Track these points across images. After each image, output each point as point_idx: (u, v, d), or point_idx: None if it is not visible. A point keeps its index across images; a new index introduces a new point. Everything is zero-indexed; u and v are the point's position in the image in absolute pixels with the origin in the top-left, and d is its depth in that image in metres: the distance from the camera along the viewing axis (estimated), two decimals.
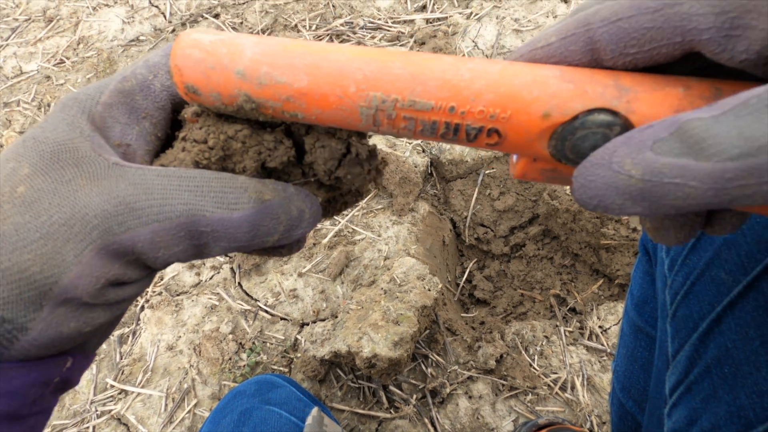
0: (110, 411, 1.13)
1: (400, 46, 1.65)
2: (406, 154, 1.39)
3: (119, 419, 1.12)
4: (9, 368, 0.27)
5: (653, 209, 0.24)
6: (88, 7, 2.00)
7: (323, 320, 1.20)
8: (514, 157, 0.33)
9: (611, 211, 0.25)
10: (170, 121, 0.34)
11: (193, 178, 0.28)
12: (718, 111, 0.22)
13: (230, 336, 1.19)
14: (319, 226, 1.32)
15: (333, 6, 1.83)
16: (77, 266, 0.26)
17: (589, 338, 1.15)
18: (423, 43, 1.57)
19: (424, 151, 1.42)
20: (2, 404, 0.28)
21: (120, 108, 0.31)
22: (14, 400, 0.28)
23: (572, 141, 0.28)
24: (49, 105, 1.73)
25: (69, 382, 0.33)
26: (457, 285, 1.39)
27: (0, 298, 0.26)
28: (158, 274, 1.32)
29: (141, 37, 1.89)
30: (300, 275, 1.25)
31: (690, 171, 0.22)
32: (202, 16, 1.90)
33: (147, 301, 1.28)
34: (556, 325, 1.18)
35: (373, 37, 1.68)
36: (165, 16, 1.94)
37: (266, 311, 1.22)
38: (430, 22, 1.70)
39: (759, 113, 0.21)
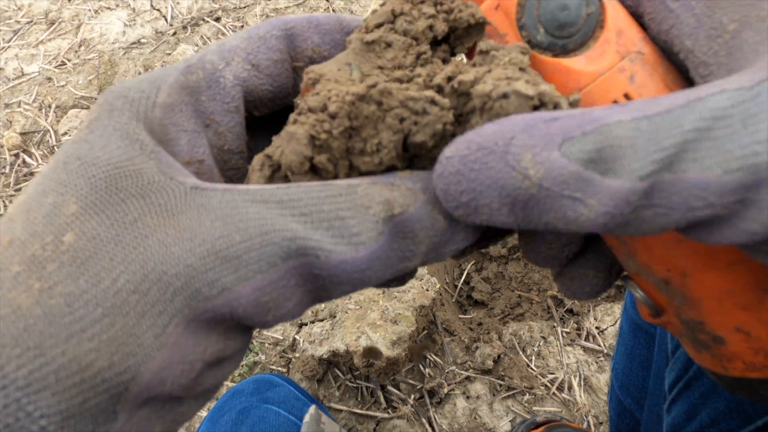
0: None
1: None
2: None
3: None
4: None
5: (526, 224, 0.19)
6: (89, 10, 2.01)
7: (322, 320, 1.20)
8: None
9: (477, 215, 0.19)
10: (245, 126, 0.26)
11: (299, 199, 0.20)
12: (653, 110, 0.18)
13: None
14: None
15: (333, 10, 1.84)
16: (161, 351, 0.19)
17: (586, 339, 1.15)
18: None
19: None
20: None
21: (184, 111, 0.23)
22: None
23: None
24: (50, 106, 1.74)
25: None
26: (455, 287, 1.40)
27: (56, 412, 0.17)
28: None
29: (142, 40, 1.90)
30: None
31: (593, 187, 0.18)
32: (203, 20, 1.91)
33: None
34: (554, 326, 1.19)
35: None
36: (166, 20, 1.95)
37: None
38: None
39: (681, 116, 0.18)
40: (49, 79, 1.81)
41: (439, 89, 0.23)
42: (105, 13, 2.00)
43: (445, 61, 0.26)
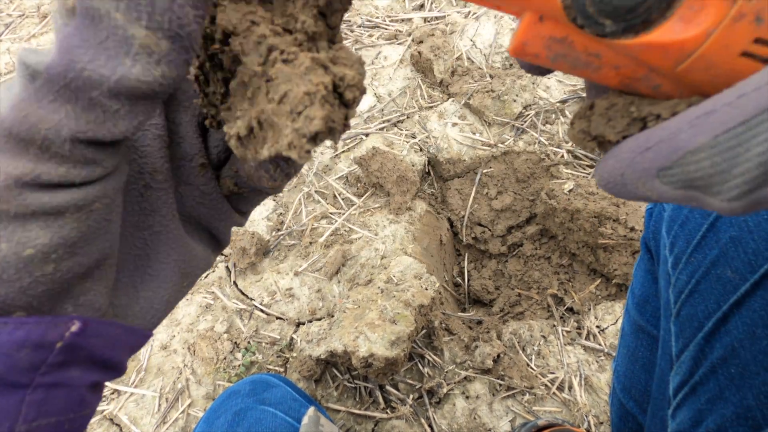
0: (103, 411, 1.11)
1: (398, 45, 1.64)
2: (403, 152, 1.38)
3: (112, 419, 1.10)
4: None
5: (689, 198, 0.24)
6: None
7: (319, 319, 1.18)
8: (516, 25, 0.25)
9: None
10: None
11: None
12: (736, 118, 0.20)
13: (225, 335, 1.18)
14: (315, 224, 1.31)
15: None
16: None
17: (587, 338, 1.14)
18: (421, 42, 1.56)
19: (421, 149, 1.41)
20: None
21: None
22: None
23: None
24: None
25: (95, 356, 0.28)
26: (455, 284, 1.38)
27: None
28: None
29: None
30: (296, 274, 1.24)
31: (702, 202, 0.22)
32: None
33: None
34: (554, 325, 1.18)
35: (370, 36, 1.67)
36: None
37: (262, 310, 1.21)
38: (428, 21, 1.69)
39: (750, 133, 0.20)
40: None
41: None
42: None
43: None
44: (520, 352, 1.13)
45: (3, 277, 0.24)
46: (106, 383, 1.15)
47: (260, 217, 1.35)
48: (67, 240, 0.25)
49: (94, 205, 0.26)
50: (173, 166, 0.33)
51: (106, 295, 0.29)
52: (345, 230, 1.29)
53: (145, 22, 0.21)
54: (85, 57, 0.21)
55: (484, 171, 1.38)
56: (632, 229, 1.13)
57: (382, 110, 1.49)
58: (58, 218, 0.24)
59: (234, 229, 1.30)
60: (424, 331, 1.14)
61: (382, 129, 1.45)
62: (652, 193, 0.23)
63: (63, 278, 0.26)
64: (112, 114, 0.23)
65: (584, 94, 1.44)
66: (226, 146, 0.34)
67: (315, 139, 0.23)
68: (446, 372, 1.10)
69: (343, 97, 0.24)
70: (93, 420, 1.10)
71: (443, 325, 1.17)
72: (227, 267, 1.29)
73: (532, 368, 1.11)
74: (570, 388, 1.08)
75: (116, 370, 0.31)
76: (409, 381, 1.10)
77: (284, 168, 0.32)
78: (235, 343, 1.17)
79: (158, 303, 0.33)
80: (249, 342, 1.17)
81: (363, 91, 0.24)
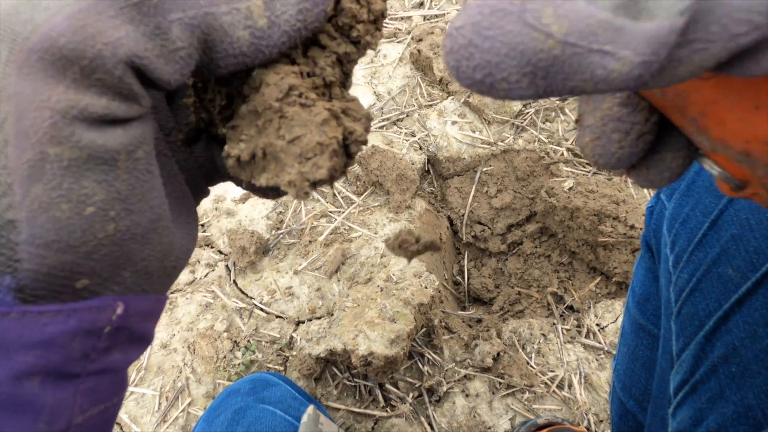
0: None
1: (398, 43, 1.64)
2: (403, 151, 1.38)
3: None
4: (39, 314, 0.22)
5: (549, 93, 0.18)
6: None
7: (319, 318, 1.18)
8: None
9: (494, 92, 0.18)
10: None
11: None
12: None
13: (225, 334, 1.17)
14: (314, 223, 1.31)
15: None
16: (9, 103, 0.20)
17: (587, 336, 1.14)
18: (420, 40, 1.56)
19: (421, 148, 1.41)
20: (36, 357, 0.23)
21: None
22: (52, 352, 0.23)
23: None
24: None
25: (134, 334, 0.28)
26: (455, 283, 1.38)
27: None
28: None
29: None
30: (296, 273, 1.24)
31: (625, 36, 0.16)
32: None
33: None
34: (554, 323, 1.18)
35: None
36: None
37: (261, 309, 1.21)
38: (428, 19, 1.69)
39: None
40: None
41: None
42: None
43: None
44: (520, 350, 1.13)
45: (70, 242, 0.22)
46: None
47: (260, 216, 1.35)
48: (121, 194, 0.24)
49: (138, 152, 0.24)
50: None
51: (161, 261, 0.28)
52: (344, 229, 1.29)
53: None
54: None
55: (484, 169, 1.38)
56: (632, 227, 1.13)
57: (382, 108, 1.49)
58: (111, 169, 0.23)
59: (233, 228, 1.30)
60: (423, 329, 1.14)
61: (381, 127, 1.45)
62: (561, 22, 0.16)
63: (123, 239, 0.25)
64: (170, 51, 0.22)
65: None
66: (196, 128, 0.34)
67: (316, 184, 0.24)
68: (446, 370, 1.10)
69: (348, 149, 0.26)
70: None
71: (443, 323, 1.17)
72: (227, 266, 1.28)
73: (531, 366, 1.11)
74: (570, 386, 1.08)
75: (147, 342, 0.30)
76: (409, 379, 1.10)
77: (278, 192, 0.33)
78: (235, 341, 1.17)
79: (183, 266, 0.33)
80: (249, 341, 1.17)
81: (365, 143, 0.26)
